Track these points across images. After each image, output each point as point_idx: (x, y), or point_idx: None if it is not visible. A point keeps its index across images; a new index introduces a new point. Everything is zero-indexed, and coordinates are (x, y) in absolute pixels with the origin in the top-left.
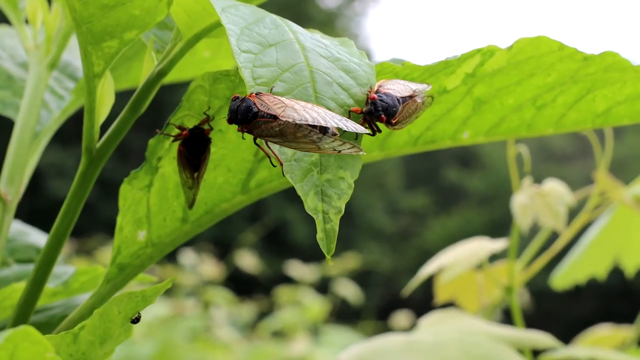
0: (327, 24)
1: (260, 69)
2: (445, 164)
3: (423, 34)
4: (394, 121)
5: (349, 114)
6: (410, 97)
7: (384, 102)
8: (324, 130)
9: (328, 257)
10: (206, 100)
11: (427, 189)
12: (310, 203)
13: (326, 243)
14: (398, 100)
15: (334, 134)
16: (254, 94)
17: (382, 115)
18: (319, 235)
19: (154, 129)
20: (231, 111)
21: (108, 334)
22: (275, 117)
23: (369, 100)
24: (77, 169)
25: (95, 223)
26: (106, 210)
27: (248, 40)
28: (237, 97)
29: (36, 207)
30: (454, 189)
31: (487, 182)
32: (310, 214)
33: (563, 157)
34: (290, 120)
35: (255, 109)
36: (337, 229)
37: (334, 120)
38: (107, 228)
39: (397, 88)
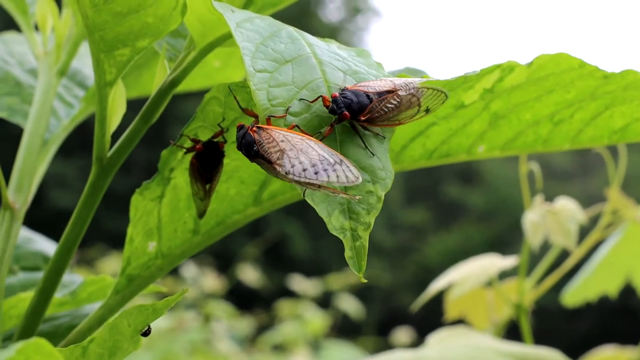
0: (330, 38)
1: (276, 89)
2: (446, 179)
3: (425, 49)
4: (362, 118)
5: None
6: (390, 91)
7: (346, 98)
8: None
9: (360, 275)
10: (221, 112)
11: (427, 205)
12: (335, 223)
13: (356, 261)
14: (368, 95)
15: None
16: (255, 127)
17: (345, 112)
18: (348, 254)
19: (152, 140)
20: (237, 142)
21: (117, 347)
22: (270, 162)
23: (332, 99)
24: (78, 179)
25: (97, 233)
26: (107, 221)
27: (263, 57)
28: (242, 127)
29: (36, 217)
30: (454, 205)
31: (488, 199)
32: (335, 234)
33: (564, 175)
34: (283, 172)
35: (255, 148)
36: (367, 244)
37: (325, 170)
38: (108, 238)
39: (375, 84)
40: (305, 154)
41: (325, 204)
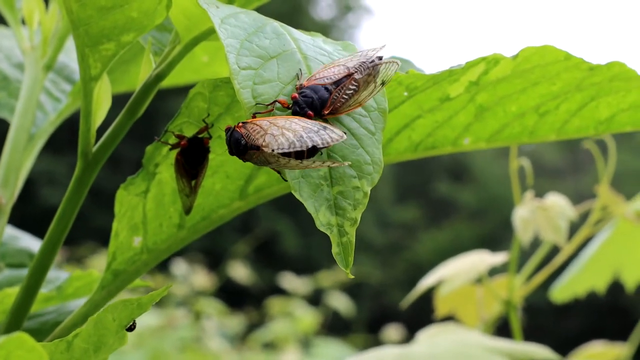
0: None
1: (260, 87)
2: (437, 177)
3: (416, 46)
4: (326, 112)
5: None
6: (347, 76)
7: (306, 96)
8: (299, 154)
9: (347, 270)
10: (205, 108)
11: (418, 202)
12: (322, 218)
13: (343, 257)
14: (326, 88)
15: (315, 151)
16: (240, 124)
17: (308, 112)
18: (335, 250)
19: (144, 137)
20: (227, 144)
21: (102, 342)
22: (258, 148)
23: (292, 100)
24: (68, 177)
25: (86, 231)
26: (96, 219)
27: (248, 54)
28: (229, 129)
29: (26, 214)
30: (444, 202)
31: (478, 196)
32: (322, 230)
33: (554, 173)
34: (269, 150)
35: (243, 141)
36: (354, 240)
37: (309, 137)
38: (98, 236)
39: (330, 73)
40: (289, 130)
41: (313, 199)
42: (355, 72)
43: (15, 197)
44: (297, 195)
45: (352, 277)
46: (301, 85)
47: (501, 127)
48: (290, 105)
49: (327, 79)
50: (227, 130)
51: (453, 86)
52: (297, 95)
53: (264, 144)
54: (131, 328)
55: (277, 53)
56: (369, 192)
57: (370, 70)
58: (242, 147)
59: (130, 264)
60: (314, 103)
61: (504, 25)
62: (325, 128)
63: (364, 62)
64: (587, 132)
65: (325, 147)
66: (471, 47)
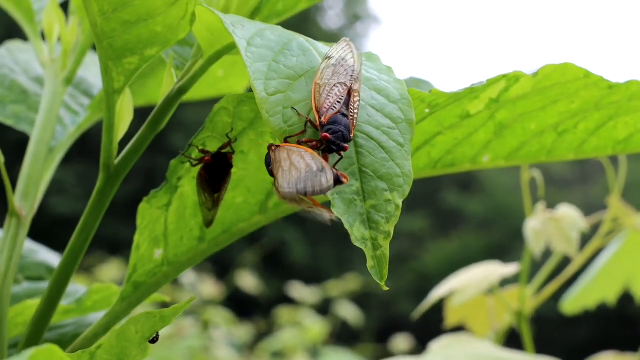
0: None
1: (290, 110)
2: (445, 187)
3: (425, 56)
4: (351, 135)
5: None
6: (350, 93)
7: (336, 132)
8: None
9: (382, 284)
10: (229, 122)
11: (426, 212)
12: (357, 233)
13: (378, 270)
14: (343, 114)
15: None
16: (274, 147)
17: (344, 145)
18: (370, 264)
19: (150, 148)
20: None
21: (125, 354)
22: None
23: (323, 141)
24: (77, 186)
25: (95, 240)
26: (106, 228)
27: (275, 77)
28: (270, 147)
29: (35, 223)
30: (453, 212)
31: (487, 207)
32: (357, 245)
33: (563, 183)
34: (276, 186)
35: (270, 167)
36: (388, 253)
37: (304, 180)
38: (107, 245)
39: (336, 94)
40: (296, 168)
41: (347, 215)
42: (352, 83)
43: (35, 209)
44: (334, 212)
45: (387, 289)
46: (321, 122)
47: (520, 145)
48: (323, 146)
49: (336, 104)
50: (269, 148)
51: (473, 103)
52: (328, 135)
53: (277, 177)
54: (154, 340)
55: (305, 71)
56: (401, 205)
57: (359, 73)
58: (269, 171)
59: (150, 276)
60: (344, 135)
61: (506, 35)
62: (322, 170)
63: (354, 72)
64: (605, 151)
65: (313, 194)
66: (480, 59)
